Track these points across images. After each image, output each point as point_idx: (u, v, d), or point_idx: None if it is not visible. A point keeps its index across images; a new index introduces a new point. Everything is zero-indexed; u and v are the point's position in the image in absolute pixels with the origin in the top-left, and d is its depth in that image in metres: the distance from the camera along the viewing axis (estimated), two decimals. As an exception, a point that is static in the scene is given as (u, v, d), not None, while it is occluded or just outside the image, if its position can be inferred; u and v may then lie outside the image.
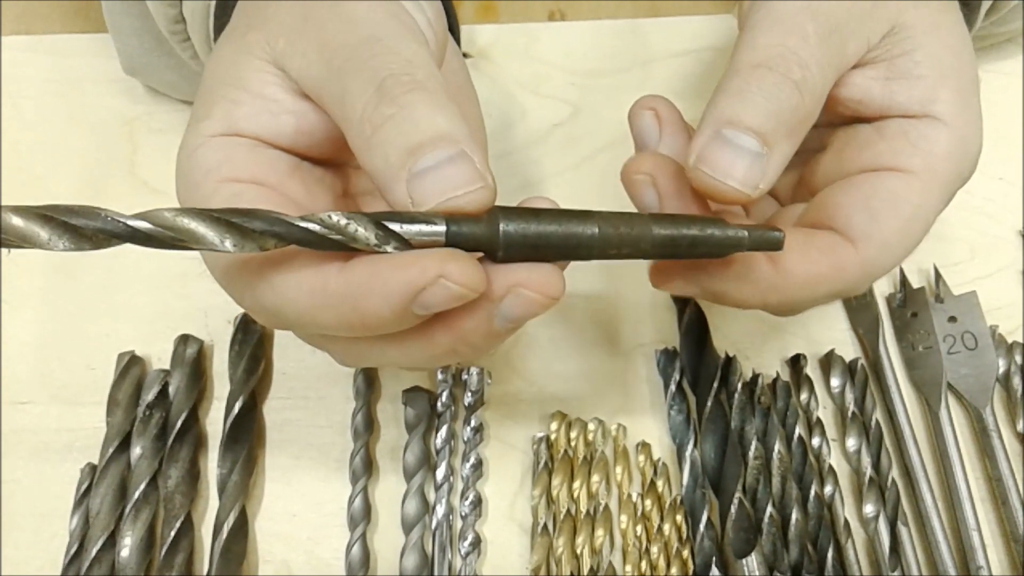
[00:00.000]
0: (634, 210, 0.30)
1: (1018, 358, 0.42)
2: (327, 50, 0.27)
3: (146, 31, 0.42)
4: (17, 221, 0.22)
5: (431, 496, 0.39)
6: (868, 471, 0.39)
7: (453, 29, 0.37)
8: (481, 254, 0.26)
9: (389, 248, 0.25)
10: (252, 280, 0.26)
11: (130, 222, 0.23)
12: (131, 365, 0.40)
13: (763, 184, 0.28)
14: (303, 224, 0.24)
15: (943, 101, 0.31)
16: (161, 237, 0.23)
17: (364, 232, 0.25)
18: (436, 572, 0.37)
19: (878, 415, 0.41)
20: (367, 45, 0.26)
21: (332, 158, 0.30)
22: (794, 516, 0.38)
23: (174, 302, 0.43)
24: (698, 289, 0.31)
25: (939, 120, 0.31)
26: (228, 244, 0.24)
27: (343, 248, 0.25)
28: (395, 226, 0.25)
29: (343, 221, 0.25)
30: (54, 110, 0.49)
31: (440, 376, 0.41)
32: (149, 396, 0.39)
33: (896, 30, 0.31)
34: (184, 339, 0.41)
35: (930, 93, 0.31)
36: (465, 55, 0.51)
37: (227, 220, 0.24)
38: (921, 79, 0.31)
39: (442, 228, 0.25)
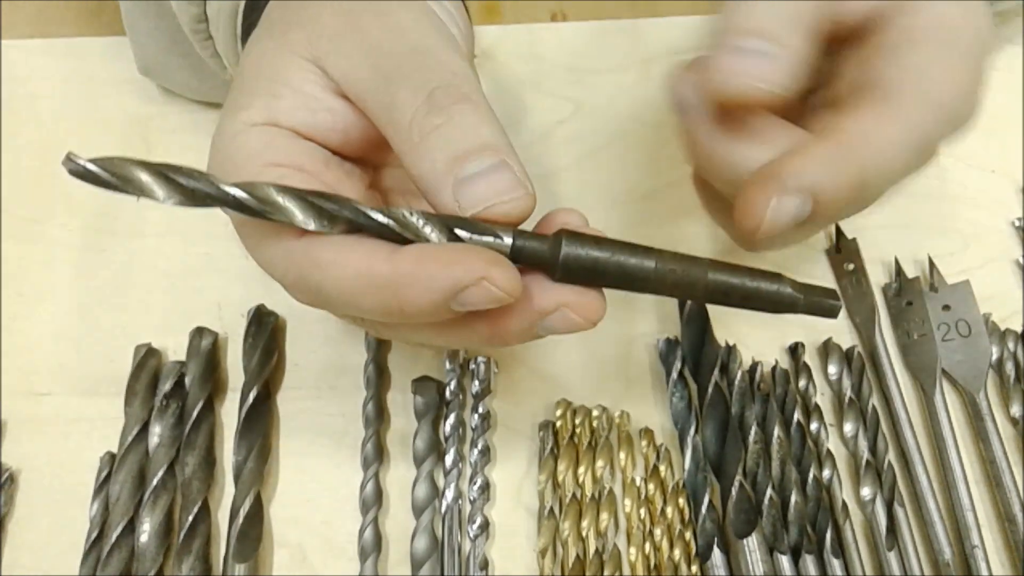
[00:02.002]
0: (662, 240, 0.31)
1: (1011, 345, 0.43)
2: (374, 56, 0.28)
3: (161, 31, 0.43)
4: (143, 175, 0.25)
5: (440, 481, 0.40)
6: (865, 455, 0.40)
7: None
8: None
9: None
10: (298, 258, 0.27)
11: (227, 188, 0.26)
12: (148, 357, 0.42)
13: (786, 79, 0.28)
14: (382, 218, 0.26)
15: None
16: (253, 206, 0.26)
17: (437, 236, 0.26)
18: (446, 554, 0.38)
19: (875, 401, 0.42)
20: (416, 55, 0.28)
21: (362, 155, 0.31)
22: (793, 498, 0.39)
23: (189, 295, 0.44)
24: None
25: None
26: (308, 221, 0.26)
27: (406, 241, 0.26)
28: (465, 234, 0.26)
29: (420, 221, 0.26)
30: (69, 111, 0.50)
31: (448, 366, 0.42)
32: (166, 387, 0.41)
33: None
34: (199, 331, 0.42)
35: None
36: (470, 55, 0.52)
37: (315, 203, 0.26)
38: None
39: (509, 241, 0.26)
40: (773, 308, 0.28)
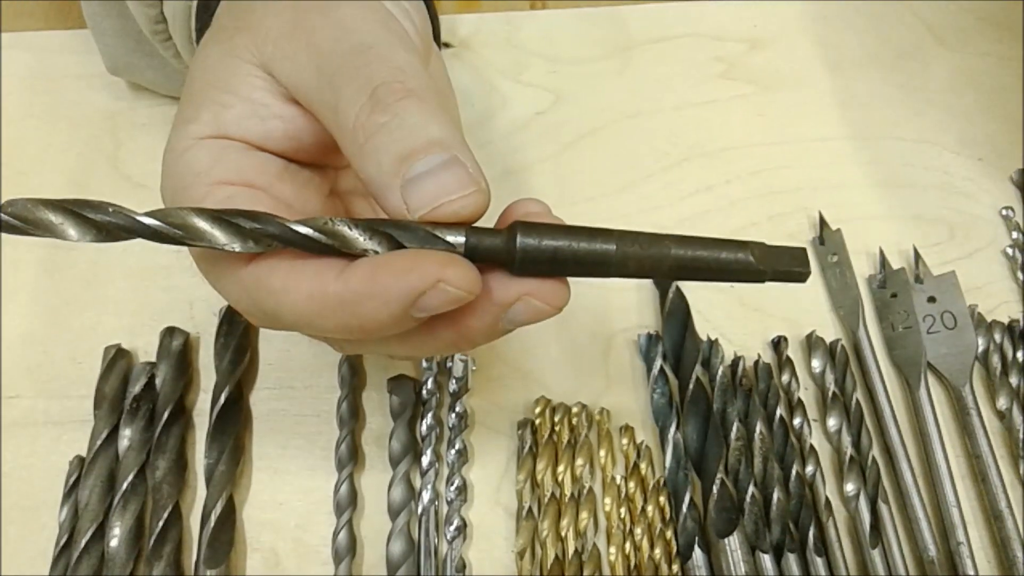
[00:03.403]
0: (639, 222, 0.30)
1: (997, 337, 0.43)
2: (318, 56, 0.27)
3: (127, 32, 0.42)
4: (52, 217, 0.24)
5: (417, 482, 0.39)
6: (849, 450, 0.39)
7: (434, 30, 0.38)
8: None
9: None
10: (249, 285, 0.27)
11: (140, 218, 0.25)
12: (117, 358, 0.41)
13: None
14: (305, 230, 0.25)
15: None
16: (169, 234, 0.25)
17: (366, 240, 0.25)
18: (422, 557, 0.37)
19: (859, 395, 0.41)
20: (359, 53, 0.27)
21: (319, 160, 0.30)
22: (776, 496, 0.38)
23: (159, 295, 0.43)
24: None
25: None
26: (230, 243, 0.25)
27: (343, 255, 0.25)
28: (412, 245, 0.25)
29: (346, 228, 0.25)
30: (37, 106, 0.49)
31: (424, 364, 0.41)
32: (136, 388, 0.40)
33: None
34: (170, 331, 0.41)
35: None
36: (447, 45, 0.51)
37: (236, 223, 0.25)
38: None
39: (461, 239, 0.25)
40: (741, 278, 0.27)
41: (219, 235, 0.25)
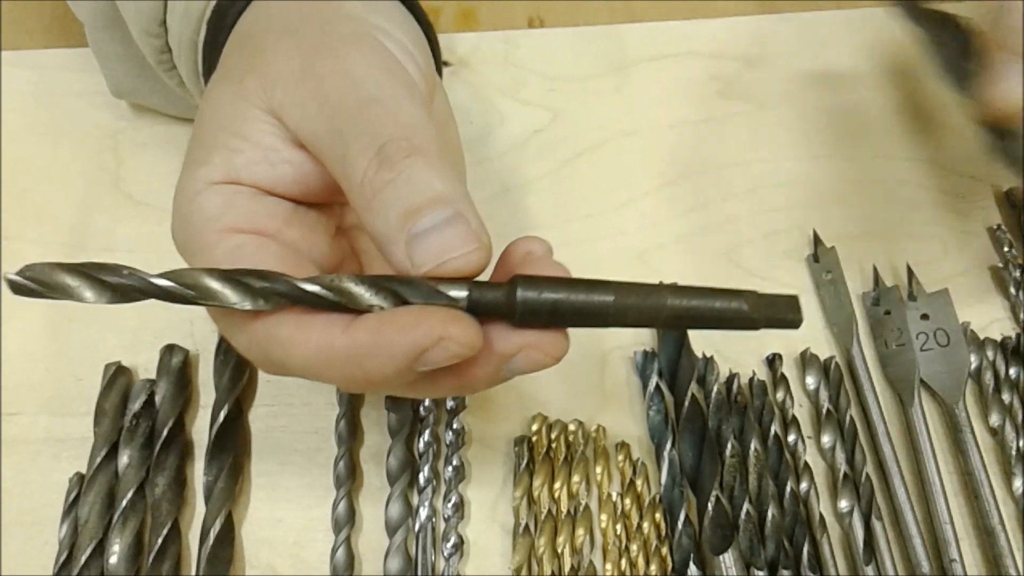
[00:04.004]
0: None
1: (990, 354, 0.43)
2: (327, 107, 0.28)
3: (130, 56, 0.42)
4: (69, 280, 0.25)
5: (414, 499, 0.39)
6: (843, 467, 0.40)
7: (435, 60, 0.38)
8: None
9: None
10: (259, 337, 0.27)
11: (154, 280, 0.25)
12: (118, 375, 0.41)
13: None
14: (313, 287, 0.26)
15: None
16: (182, 294, 0.26)
17: (372, 296, 0.26)
18: (419, 574, 0.38)
19: (852, 412, 0.41)
20: (367, 107, 0.27)
21: (326, 200, 0.31)
22: (770, 512, 0.38)
23: (160, 312, 0.43)
24: None
25: None
26: (241, 302, 0.26)
27: (349, 311, 0.26)
28: (416, 301, 0.26)
29: (352, 284, 0.26)
30: (39, 124, 0.49)
31: (422, 381, 0.41)
32: (135, 406, 0.40)
33: None
34: (170, 349, 0.42)
35: None
36: (445, 63, 0.52)
37: (246, 282, 0.26)
38: None
39: (464, 294, 0.26)
40: (735, 326, 0.28)
41: (230, 295, 0.26)
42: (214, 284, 0.26)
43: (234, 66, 0.31)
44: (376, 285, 0.26)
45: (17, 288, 0.25)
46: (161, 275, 0.26)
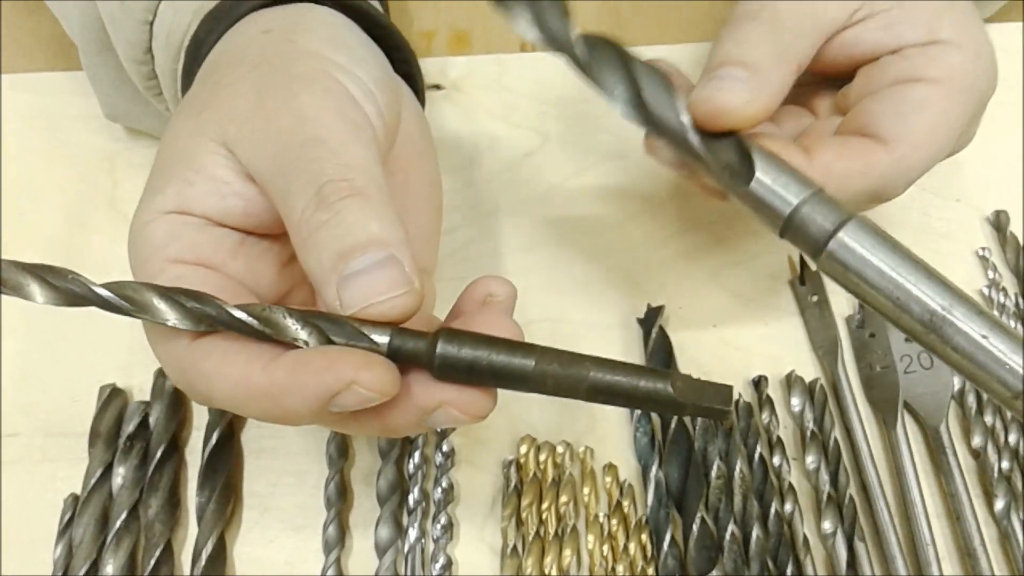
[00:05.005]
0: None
1: (973, 376, 0.43)
2: (275, 145, 0.28)
3: (124, 81, 0.43)
4: (23, 279, 0.27)
5: (404, 520, 0.40)
6: (827, 488, 0.40)
7: (416, 85, 0.39)
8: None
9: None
10: (186, 366, 0.28)
11: (96, 288, 0.27)
12: (112, 397, 0.42)
13: (752, 100, 0.32)
14: (242, 315, 0.27)
15: (947, 27, 0.35)
16: (120, 306, 0.27)
17: (299, 329, 0.27)
18: (408, 594, 0.38)
19: (836, 433, 0.42)
20: (311, 147, 0.28)
21: (276, 231, 0.31)
22: (755, 533, 0.39)
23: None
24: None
25: (948, 42, 0.35)
26: (173, 319, 0.27)
27: (275, 341, 0.27)
28: (340, 340, 0.27)
29: (282, 317, 0.27)
30: (36, 146, 0.50)
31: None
32: (130, 427, 0.41)
33: None
34: (164, 371, 0.42)
35: (933, 23, 0.35)
36: (437, 87, 0.53)
37: (181, 302, 0.27)
38: (919, 14, 0.35)
39: (386, 340, 0.27)
40: (659, 409, 0.28)
41: (164, 310, 0.27)
42: (151, 299, 0.27)
43: (195, 98, 0.32)
44: (304, 319, 0.27)
45: None
46: (103, 285, 0.27)
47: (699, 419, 0.42)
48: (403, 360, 0.27)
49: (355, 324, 0.27)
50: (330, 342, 0.27)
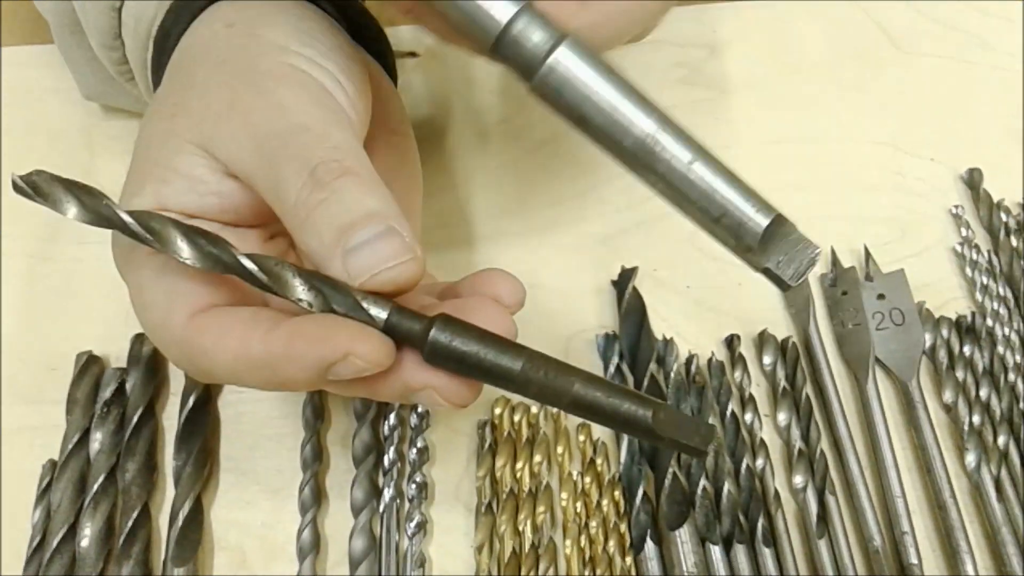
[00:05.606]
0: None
1: (944, 332, 0.44)
2: (256, 137, 0.29)
3: (98, 62, 0.43)
4: (58, 191, 0.28)
5: (379, 481, 0.40)
6: (798, 443, 0.41)
7: (387, 62, 0.39)
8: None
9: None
10: (185, 346, 0.29)
11: (122, 214, 0.28)
12: (89, 364, 0.42)
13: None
14: (249, 264, 0.28)
15: None
16: (140, 234, 0.28)
17: (303, 288, 0.27)
18: (383, 553, 0.39)
19: (808, 390, 0.42)
20: (297, 133, 0.28)
21: (256, 223, 0.32)
22: (726, 488, 0.39)
23: (131, 303, 0.44)
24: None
25: None
26: (187, 256, 0.28)
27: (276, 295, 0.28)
28: (340, 309, 0.27)
29: (290, 274, 0.28)
30: (13, 119, 0.50)
31: (388, 366, 0.42)
32: (107, 393, 0.41)
33: None
34: (140, 338, 0.43)
35: None
36: (412, 54, 0.53)
37: (196, 240, 0.28)
38: None
39: (384, 315, 0.27)
40: (635, 435, 0.28)
41: (183, 247, 0.28)
42: (172, 233, 0.28)
43: (166, 99, 0.32)
44: (310, 282, 0.27)
45: (16, 187, 0.28)
46: (130, 212, 0.28)
47: (672, 376, 0.42)
48: (397, 337, 0.28)
49: (357, 296, 0.27)
50: (331, 309, 0.27)
